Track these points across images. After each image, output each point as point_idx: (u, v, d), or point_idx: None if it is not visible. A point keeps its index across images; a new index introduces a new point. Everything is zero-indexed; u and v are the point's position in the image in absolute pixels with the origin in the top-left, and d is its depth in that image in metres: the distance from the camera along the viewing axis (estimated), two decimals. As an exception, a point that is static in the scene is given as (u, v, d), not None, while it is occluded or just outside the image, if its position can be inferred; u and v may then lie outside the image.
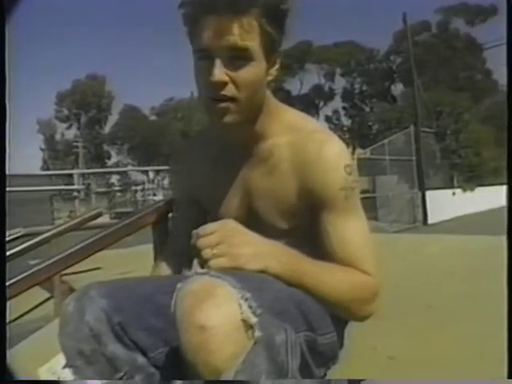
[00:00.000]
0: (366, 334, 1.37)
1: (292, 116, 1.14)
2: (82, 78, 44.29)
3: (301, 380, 0.87)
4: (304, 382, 0.93)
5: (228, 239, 0.92)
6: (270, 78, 1.05)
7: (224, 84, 0.97)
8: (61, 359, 1.29)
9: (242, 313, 0.77)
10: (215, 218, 1.07)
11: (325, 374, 1.09)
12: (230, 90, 0.98)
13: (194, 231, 0.94)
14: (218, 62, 0.96)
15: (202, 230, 0.93)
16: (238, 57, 0.96)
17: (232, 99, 0.99)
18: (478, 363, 1.36)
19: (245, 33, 0.95)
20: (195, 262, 1.24)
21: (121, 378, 0.98)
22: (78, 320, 0.96)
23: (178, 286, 0.82)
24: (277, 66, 1.06)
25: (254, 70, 0.99)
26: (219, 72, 0.96)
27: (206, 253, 0.90)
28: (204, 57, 0.97)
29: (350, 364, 1.22)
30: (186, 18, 0.99)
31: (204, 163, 1.19)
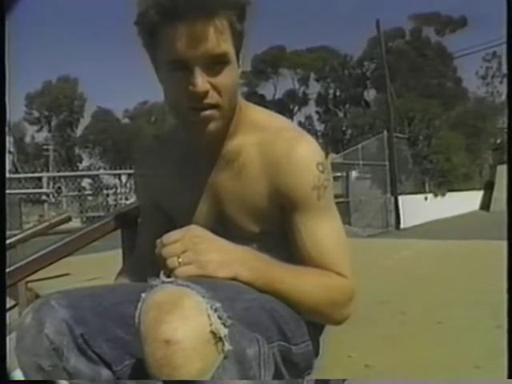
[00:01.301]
0: (340, 341, 1.34)
1: (259, 114, 1.09)
2: (54, 79, 43.64)
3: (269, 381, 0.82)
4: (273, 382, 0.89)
5: (194, 246, 0.87)
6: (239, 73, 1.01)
7: (207, 93, 0.93)
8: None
9: (211, 324, 0.72)
10: (183, 225, 1.02)
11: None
12: (213, 98, 0.94)
13: (158, 240, 0.89)
14: (198, 72, 0.91)
15: (166, 238, 0.88)
16: (216, 63, 0.92)
17: (215, 106, 0.95)
18: (454, 369, 1.35)
19: (220, 37, 0.90)
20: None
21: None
22: (37, 332, 0.89)
23: (143, 295, 0.77)
24: (241, 60, 1.01)
25: (232, 73, 0.95)
26: (202, 81, 0.91)
27: (172, 261, 0.86)
28: (179, 68, 0.92)
29: (326, 372, 1.19)
30: (148, 28, 0.92)
31: (169, 166, 1.13)
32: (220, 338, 0.72)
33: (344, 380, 1.14)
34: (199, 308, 0.73)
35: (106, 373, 0.94)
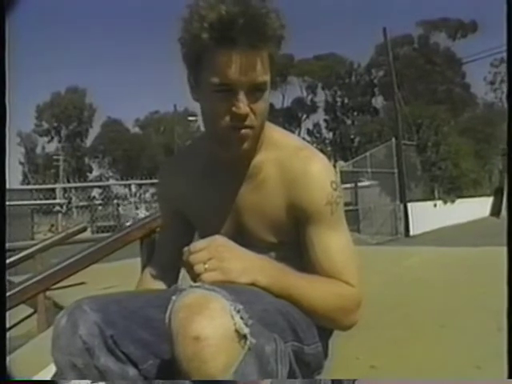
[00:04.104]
0: (349, 344, 1.41)
1: (277, 134, 1.18)
2: (62, 90, 44.08)
3: (290, 380, 0.90)
4: (294, 381, 0.97)
5: (218, 254, 0.96)
6: None
7: (247, 115, 1.02)
8: (45, 375, 1.31)
9: (235, 324, 0.80)
10: (204, 234, 1.10)
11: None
12: (250, 120, 1.03)
13: (186, 248, 0.98)
14: (241, 96, 1.00)
15: (193, 246, 0.97)
16: (257, 89, 1.02)
17: (251, 127, 1.04)
18: (455, 371, 1.41)
19: (263, 67, 1.00)
20: (182, 276, 1.28)
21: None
22: (71, 334, 0.98)
23: (173, 298, 0.85)
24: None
25: (267, 98, 1.05)
26: (244, 105, 1.00)
27: (199, 268, 0.94)
28: (225, 90, 1.01)
29: (334, 372, 1.27)
30: (198, 50, 1.00)
31: (192, 179, 1.22)
32: (242, 336, 0.80)
33: (354, 380, 1.21)
34: (224, 309, 0.81)
35: (132, 371, 1.03)
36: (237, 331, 0.80)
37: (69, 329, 0.99)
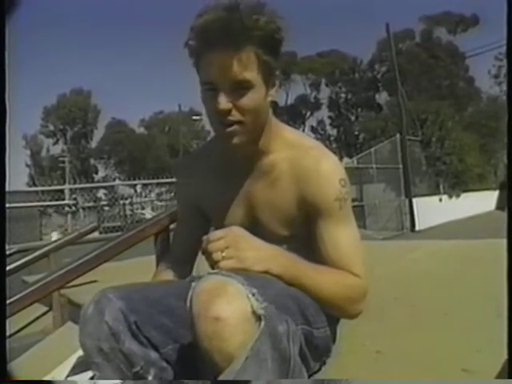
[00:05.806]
0: (356, 332, 1.49)
1: (290, 134, 1.26)
2: (68, 92, 44.23)
3: (296, 380, 0.96)
4: (300, 381, 1.02)
5: (235, 244, 1.04)
6: (270, 98, 1.17)
7: (229, 111, 1.09)
8: (61, 370, 1.39)
9: (251, 306, 0.89)
10: (220, 227, 1.19)
11: (319, 368, 1.21)
12: (235, 116, 1.11)
13: (205, 237, 1.06)
14: (221, 94, 1.08)
15: (212, 235, 1.05)
16: (239, 87, 1.09)
17: (238, 123, 1.11)
18: (453, 357, 1.48)
19: (244, 67, 1.07)
20: (196, 268, 1.36)
21: (137, 373, 1.09)
22: (98, 320, 1.07)
23: (193, 284, 0.93)
24: (276, 88, 1.17)
25: (255, 96, 1.11)
26: (223, 101, 1.08)
27: (217, 256, 1.02)
28: (210, 88, 1.10)
29: (342, 357, 1.34)
30: (192, 51, 1.11)
31: (209, 175, 1.30)
32: (257, 317, 0.89)
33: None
34: (240, 293, 0.90)
35: (154, 354, 1.13)
36: (252, 312, 0.88)
37: (96, 316, 1.07)
